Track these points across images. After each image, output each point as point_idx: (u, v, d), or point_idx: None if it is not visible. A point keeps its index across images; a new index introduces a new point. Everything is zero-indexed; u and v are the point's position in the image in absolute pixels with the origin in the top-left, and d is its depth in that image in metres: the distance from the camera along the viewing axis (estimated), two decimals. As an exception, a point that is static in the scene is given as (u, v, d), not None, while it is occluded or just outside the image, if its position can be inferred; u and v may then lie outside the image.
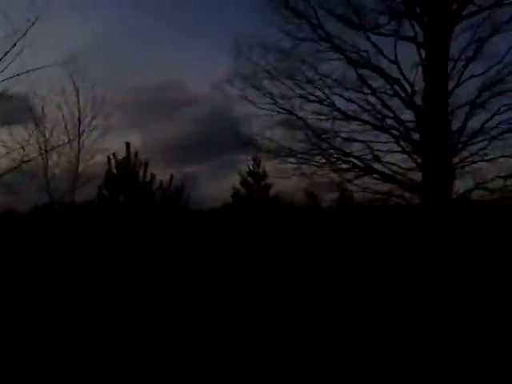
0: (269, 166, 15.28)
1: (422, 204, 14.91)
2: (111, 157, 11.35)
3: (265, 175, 15.15)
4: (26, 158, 11.19)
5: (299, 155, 15.23)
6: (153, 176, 11.56)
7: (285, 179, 15.27)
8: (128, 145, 11.47)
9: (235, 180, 15.37)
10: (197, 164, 23.68)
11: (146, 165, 11.58)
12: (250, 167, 15.10)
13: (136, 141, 13.49)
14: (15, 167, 11.43)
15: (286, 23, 14.74)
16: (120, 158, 11.34)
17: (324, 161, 15.34)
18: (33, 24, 10.23)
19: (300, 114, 15.28)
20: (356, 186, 15.25)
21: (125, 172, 11.18)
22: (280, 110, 15.26)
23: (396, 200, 15.27)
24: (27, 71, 10.04)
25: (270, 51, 15.04)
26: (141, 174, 11.41)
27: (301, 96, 15.05)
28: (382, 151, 15.25)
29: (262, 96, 15.19)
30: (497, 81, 14.28)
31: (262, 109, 15.26)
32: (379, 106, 15.07)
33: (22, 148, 12.00)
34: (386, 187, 15.30)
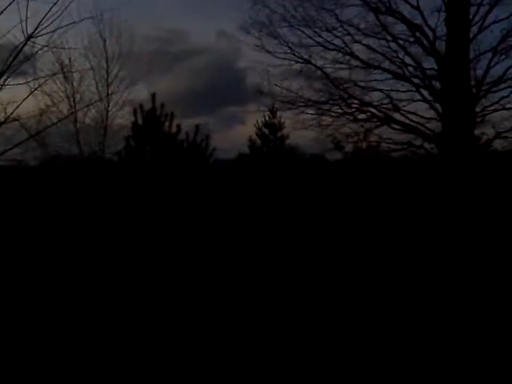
0: (285, 116, 14.95)
1: (441, 154, 14.84)
2: (137, 108, 11.03)
3: (281, 126, 14.83)
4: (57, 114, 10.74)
5: (317, 105, 14.95)
6: (178, 127, 11.27)
7: (301, 130, 14.97)
8: (153, 96, 11.12)
9: (243, 131, 15.11)
10: (203, 116, 23.31)
11: (172, 116, 11.27)
12: (266, 118, 14.73)
13: (142, 93, 13.05)
14: (54, 124, 11.07)
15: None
16: (146, 109, 11.02)
17: (342, 111, 15.07)
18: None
19: (318, 63, 14.93)
20: (375, 135, 15.06)
21: (151, 123, 10.89)
22: (297, 59, 14.89)
23: (416, 150, 15.12)
24: (61, 27, 9.45)
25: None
26: (166, 124, 11.10)
27: (319, 44, 14.66)
28: (401, 100, 15.05)
29: (278, 45, 14.77)
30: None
31: (279, 58, 14.87)
32: (400, 54, 14.74)
33: (53, 103, 11.66)
34: (406, 137, 15.21)
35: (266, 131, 14.57)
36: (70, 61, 12.10)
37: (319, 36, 14.70)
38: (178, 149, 10.80)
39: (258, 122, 14.70)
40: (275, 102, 14.99)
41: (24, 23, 9.16)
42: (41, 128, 10.88)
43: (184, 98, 12.52)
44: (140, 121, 10.97)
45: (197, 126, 11.80)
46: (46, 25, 9.38)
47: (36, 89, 10.24)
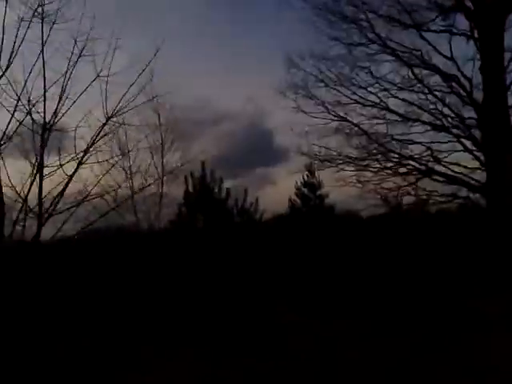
0: (324, 175, 14.88)
1: (487, 204, 14.35)
2: (188, 176, 11.34)
3: (320, 185, 14.72)
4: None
5: (355, 162, 14.84)
6: (228, 192, 11.50)
7: (341, 187, 14.80)
8: (203, 163, 11.45)
9: (275, 191, 15.05)
10: (236, 178, 23.65)
11: (221, 181, 11.52)
12: (304, 177, 14.68)
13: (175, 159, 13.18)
14: (131, 196, 11.77)
15: (335, 30, 14.50)
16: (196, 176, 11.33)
17: (381, 166, 14.88)
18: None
19: (355, 120, 14.95)
20: (420, 189, 14.73)
21: (201, 190, 11.17)
22: (333, 117, 14.94)
23: (462, 202, 14.70)
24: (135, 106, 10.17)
25: (320, 60, 14.77)
26: (216, 190, 11.36)
27: (355, 102, 14.72)
28: (442, 152, 14.78)
29: (314, 105, 14.90)
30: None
31: (315, 118, 14.94)
32: (438, 105, 14.63)
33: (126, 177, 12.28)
34: (450, 189, 14.84)
35: (305, 190, 14.46)
36: (126, 135, 12.38)
37: (354, 94, 14.82)
38: (228, 214, 11.01)
39: (296, 182, 14.65)
40: (313, 161, 14.96)
41: (104, 103, 9.72)
42: (120, 201, 11.30)
43: (215, 163, 12.64)
44: (191, 188, 11.25)
45: (245, 190, 12.08)
46: (121, 104, 9.83)
47: (113, 166, 10.78)
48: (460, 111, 14.61)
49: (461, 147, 14.76)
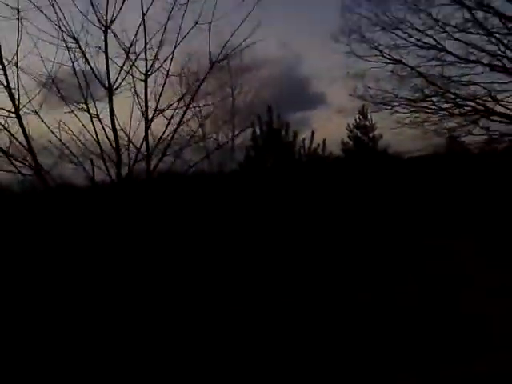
0: (376, 117, 15.29)
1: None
2: (255, 120, 12.10)
3: (373, 127, 15.26)
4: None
5: (412, 103, 15.13)
6: (295, 134, 12.32)
7: (396, 129, 15.23)
8: (270, 108, 12.16)
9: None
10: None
11: (288, 125, 12.30)
12: (357, 120, 15.27)
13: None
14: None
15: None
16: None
17: (437, 107, 15.08)
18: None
19: (410, 63, 15.10)
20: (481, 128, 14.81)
21: (269, 133, 12.05)
22: (388, 60, 15.17)
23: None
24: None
25: (376, 3, 14.92)
26: (283, 133, 12.25)
27: (412, 44, 14.80)
28: (501, 92, 14.63)
29: (368, 49, 15.20)
30: None
31: (370, 62, 15.29)
32: (497, 47, 14.36)
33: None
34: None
35: (358, 133, 15.12)
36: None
37: (411, 37, 14.84)
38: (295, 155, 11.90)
39: (349, 125, 15.26)
40: (367, 104, 15.43)
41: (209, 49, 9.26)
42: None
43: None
44: (258, 131, 12.16)
45: (313, 132, 12.55)
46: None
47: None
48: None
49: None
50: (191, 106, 9.54)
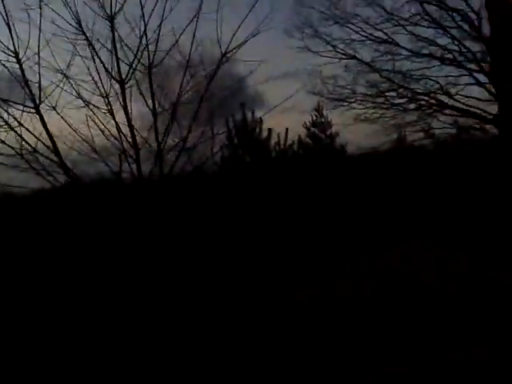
0: (332, 115, 15.07)
1: (500, 135, 14.40)
2: (228, 118, 11.60)
3: (329, 124, 14.90)
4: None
5: (367, 99, 14.97)
6: (270, 132, 11.92)
7: (350, 126, 15.02)
8: (243, 105, 11.66)
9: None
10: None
11: (261, 122, 11.87)
12: (313, 117, 14.84)
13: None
14: None
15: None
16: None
17: (391, 103, 14.97)
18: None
19: (364, 58, 14.97)
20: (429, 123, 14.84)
21: (242, 130, 11.58)
22: (342, 56, 14.98)
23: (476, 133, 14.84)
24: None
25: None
26: (257, 130, 11.79)
27: (366, 38, 14.65)
28: (454, 85, 14.74)
29: (322, 45, 14.93)
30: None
31: (325, 57, 15.02)
32: (448, 41, 14.50)
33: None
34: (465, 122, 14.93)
35: (316, 130, 14.71)
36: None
37: (363, 31, 14.74)
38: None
39: (305, 122, 14.83)
40: (323, 101, 15.10)
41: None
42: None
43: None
44: (233, 130, 11.64)
45: (287, 130, 12.34)
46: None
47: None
48: (470, 45, 14.47)
49: (473, 81, 14.74)
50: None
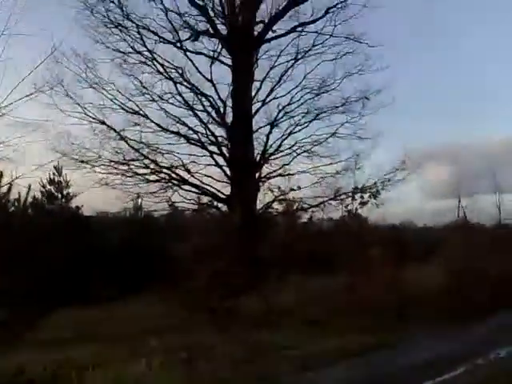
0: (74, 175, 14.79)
1: (229, 214, 15.66)
2: None
3: (68, 184, 14.57)
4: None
5: (111, 165, 15.01)
6: (10, 187, 11.34)
7: (90, 189, 14.81)
8: None
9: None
10: None
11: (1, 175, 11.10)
12: (51, 175, 14.35)
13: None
14: None
15: (102, 34, 14.70)
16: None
17: (133, 173, 15.26)
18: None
19: (114, 124, 15.16)
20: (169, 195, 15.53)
21: None
22: (91, 119, 14.85)
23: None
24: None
25: (84, 61, 14.70)
26: None
27: (116, 107, 14.95)
28: (198, 164, 15.72)
29: (72, 105, 14.72)
30: (292, 103, 15.89)
31: (73, 117, 14.80)
32: (195, 122, 15.65)
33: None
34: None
35: (52, 188, 14.21)
36: None
37: (115, 98, 14.99)
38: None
39: (41, 179, 14.21)
40: (65, 160, 14.66)
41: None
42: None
43: None
44: None
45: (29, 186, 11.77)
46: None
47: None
48: (215, 130, 15.83)
49: (213, 162, 15.96)
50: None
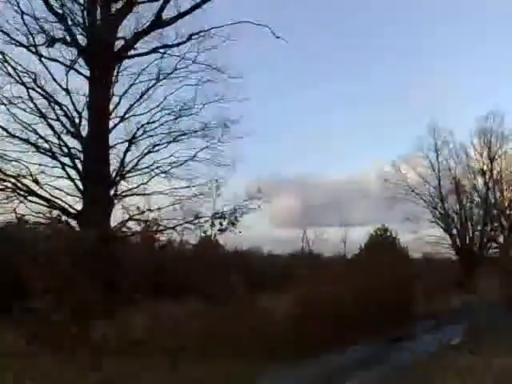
0: None
1: (81, 229, 15.08)
2: None
3: None
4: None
5: None
6: None
7: None
8: None
9: None
10: None
11: None
12: None
13: None
14: None
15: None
16: None
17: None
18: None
19: None
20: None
21: None
22: None
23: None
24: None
25: None
26: None
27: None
28: (46, 174, 15.03)
29: None
30: (152, 122, 16.05)
31: None
32: (48, 131, 15.01)
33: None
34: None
35: None
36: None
37: None
38: None
39: None
40: None
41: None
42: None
43: None
44: None
45: None
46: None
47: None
48: (69, 141, 15.30)
49: (65, 175, 15.34)
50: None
